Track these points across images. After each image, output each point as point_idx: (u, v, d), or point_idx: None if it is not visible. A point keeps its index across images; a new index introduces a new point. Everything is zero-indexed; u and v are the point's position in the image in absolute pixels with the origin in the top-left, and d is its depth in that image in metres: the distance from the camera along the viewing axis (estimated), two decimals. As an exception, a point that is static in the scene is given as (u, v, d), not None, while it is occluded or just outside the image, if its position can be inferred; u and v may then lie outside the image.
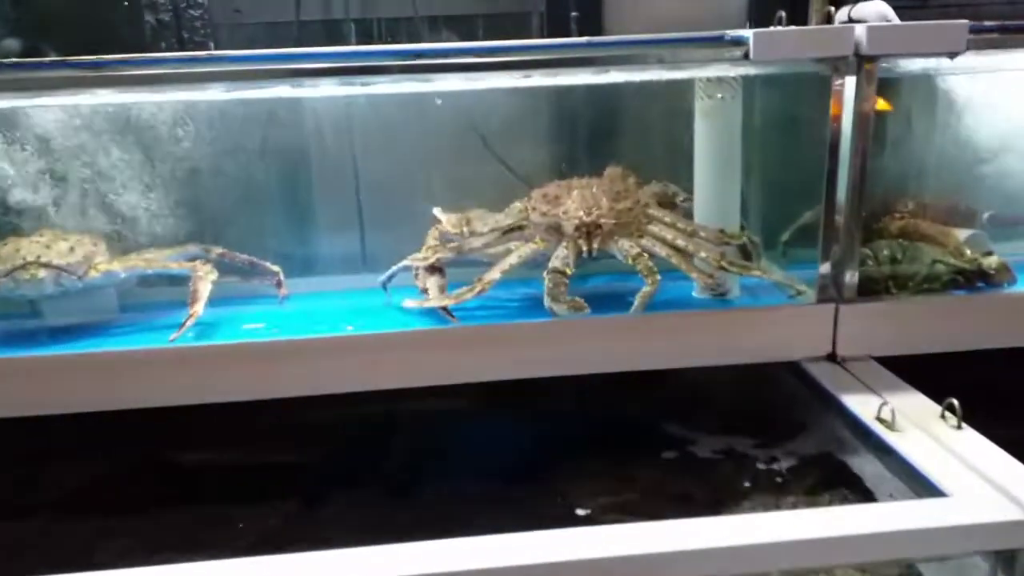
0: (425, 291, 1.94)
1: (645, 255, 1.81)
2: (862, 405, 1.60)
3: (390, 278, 2.04)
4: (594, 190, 1.88)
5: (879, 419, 1.53)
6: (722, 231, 1.89)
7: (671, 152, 2.13)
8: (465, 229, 1.94)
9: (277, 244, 2.15)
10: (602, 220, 1.83)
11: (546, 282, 1.79)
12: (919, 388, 1.65)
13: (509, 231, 1.93)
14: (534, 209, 1.89)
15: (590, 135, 2.20)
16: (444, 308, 1.85)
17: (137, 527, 1.67)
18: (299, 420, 1.89)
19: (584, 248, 1.83)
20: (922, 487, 1.39)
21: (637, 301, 1.78)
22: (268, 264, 2.06)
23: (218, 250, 2.02)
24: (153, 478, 1.86)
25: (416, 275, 1.98)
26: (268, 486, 1.78)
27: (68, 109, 1.94)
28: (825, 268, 1.81)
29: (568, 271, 1.80)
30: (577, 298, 1.80)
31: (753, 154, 2.04)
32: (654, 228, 1.89)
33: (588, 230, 1.83)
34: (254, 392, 1.75)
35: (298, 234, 2.19)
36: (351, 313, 2.00)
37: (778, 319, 1.83)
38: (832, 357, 1.82)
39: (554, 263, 1.81)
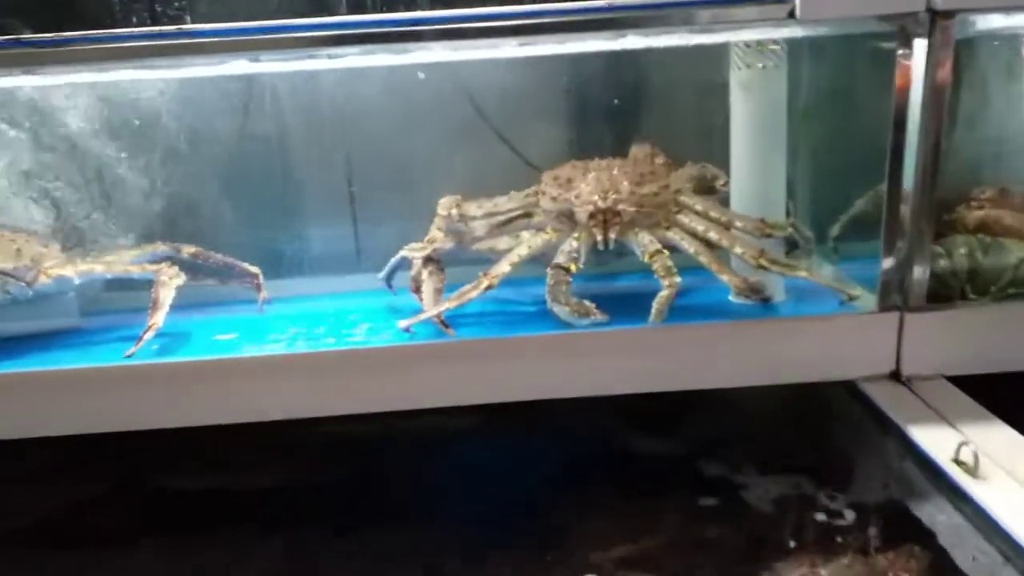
0: (418, 293, 1.69)
1: (664, 253, 1.53)
2: (935, 440, 1.32)
3: (392, 272, 1.79)
4: (614, 172, 1.60)
5: (957, 461, 1.23)
6: (763, 221, 1.59)
7: (702, 131, 1.84)
8: (454, 211, 1.66)
9: (258, 241, 1.91)
10: (620, 207, 1.56)
11: (547, 279, 1.53)
12: (1004, 418, 1.36)
13: (514, 219, 1.66)
14: (544, 193, 1.63)
15: (609, 113, 1.90)
16: (439, 319, 1.58)
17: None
18: (268, 445, 1.65)
19: (599, 238, 1.56)
20: (1013, 551, 1.10)
21: (654, 308, 1.52)
22: (246, 265, 1.81)
23: (190, 250, 1.78)
24: (107, 509, 1.63)
25: (413, 281, 1.72)
26: (230, 521, 1.55)
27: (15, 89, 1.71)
28: (888, 268, 1.52)
29: (573, 268, 1.54)
30: (584, 301, 1.55)
31: (800, 132, 1.74)
32: (684, 218, 1.60)
33: (604, 218, 1.56)
34: (217, 416, 1.52)
35: (282, 230, 1.94)
36: (339, 320, 1.76)
37: (831, 330, 1.54)
38: (896, 376, 1.53)
39: (558, 257, 1.55)
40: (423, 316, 1.58)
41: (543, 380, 1.52)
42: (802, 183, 1.79)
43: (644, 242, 1.56)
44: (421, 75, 1.78)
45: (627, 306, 1.57)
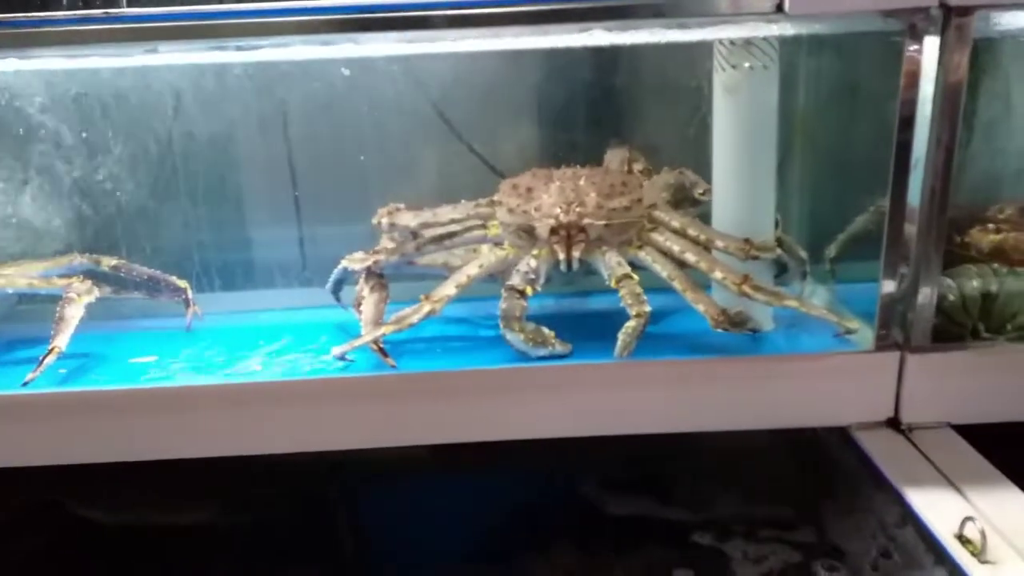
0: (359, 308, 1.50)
1: (634, 278, 1.35)
2: (936, 506, 1.13)
3: (338, 285, 1.58)
4: (580, 182, 1.41)
5: (961, 538, 1.04)
6: (748, 241, 1.39)
7: (679, 140, 1.65)
8: (384, 221, 1.47)
9: (190, 250, 1.72)
10: (586, 221, 1.37)
11: (500, 304, 1.35)
12: (1017, 478, 1.16)
13: (455, 233, 1.46)
14: (501, 204, 1.44)
15: (581, 117, 1.70)
16: (377, 345, 1.39)
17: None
18: (179, 487, 1.46)
19: (561, 257, 1.37)
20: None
21: (620, 341, 1.33)
22: (174, 279, 1.62)
23: (111, 262, 1.59)
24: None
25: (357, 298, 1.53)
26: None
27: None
28: (887, 300, 1.32)
29: (529, 290, 1.36)
30: (543, 328, 1.36)
31: (793, 140, 1.54)
32: (658, 237, 1.41)
33: (567, 234, 1.37)
34: (121, 452, 1.34)
35: (218, 238, 1.74)
36: (276, 341, 1.57)
37: (821, 369, 1.34)
38: (894, 423, 1.34)
39: (512, 278, 1.37)
40: (358, 342, 1.39)
41: (491, 420, 1.35)
42: (795, 197, 1.59)
43: (611, 264, 1.37)
44: (345, 72, 1.59)
45: (597, 330, 1.38)
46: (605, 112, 1.68)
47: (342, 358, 1.39)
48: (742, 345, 1.40)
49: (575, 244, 1.37)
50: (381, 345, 1.38)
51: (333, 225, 1.71)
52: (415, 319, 1.35)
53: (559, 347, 1.36)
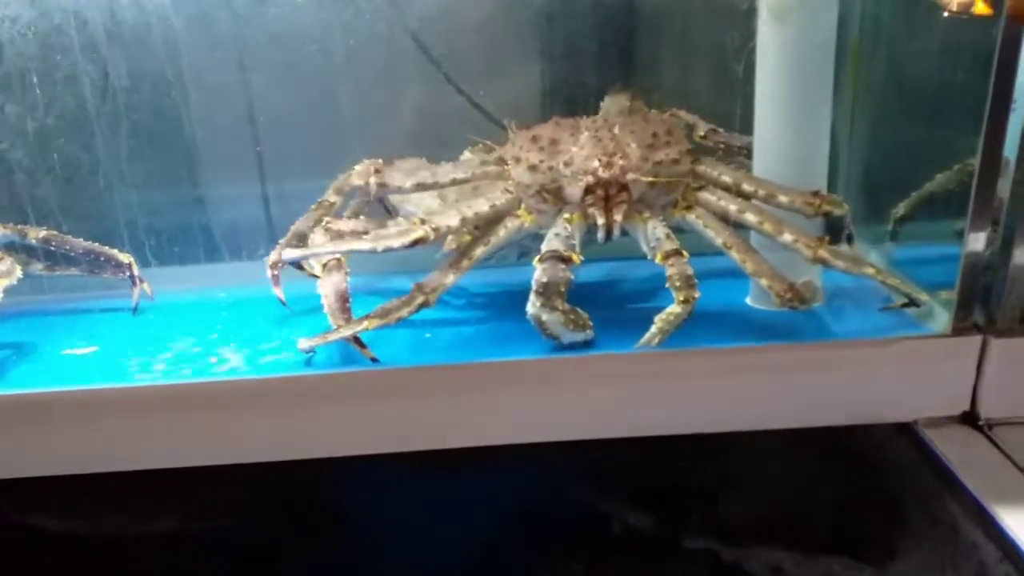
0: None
1: (685, 256, 1.09)
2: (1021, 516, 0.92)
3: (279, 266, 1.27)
4: (615, 131, 1.14)
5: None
6: (817, 194, 1.15)
7: (715, 80, 1.38)
8: (372, 181, 1.16)
9: (135, 218, 1.40)
10: (629, 177, 1.10)
11: (538, 274, 1.06)
12: None
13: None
14: (517, 160, 1.16)
15: (590, 51, 1.41)
16: (355, 340, 1.12)
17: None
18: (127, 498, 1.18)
19: (600, 222, 1.11)
20: None
21: (656, 327, 1.08)
22: (116, 252, 1.31)
23: (39, 233, 1.31)
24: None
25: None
26: None
27: None
28: (969, 272, 1.09)
29: (574, 258, 1.08)
30: (579, 310, 1.10)
31: (855, 78, 1.29)
32: (708, 196, 1.16)
33: (606, 193, 1.11)
34: (50, 465, 1.06)
35: (168, 204, 1.43)
36: (238, 326, 1.28)
37: (886, 357, 1.11)
38: (971, 419, 1.12)
39: (550, 243, 1.09)
40: (332, 336, 1.11)
41: (499, 421, 1.12)
42: (844, 145, 1.34)
43: (657, 234, 1.11)
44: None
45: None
46: (618, 46, 1.40)
47: (308, 352, 1.13)
48: (789, 331, 1.16)
49: (616, 206, 1.11)
50: (359, 339, 1.12)
51: (306, 184, 1.38)
52: (405, 313, 1.10)
53: (593, 335, 1.11)
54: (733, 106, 1.33)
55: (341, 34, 1.36)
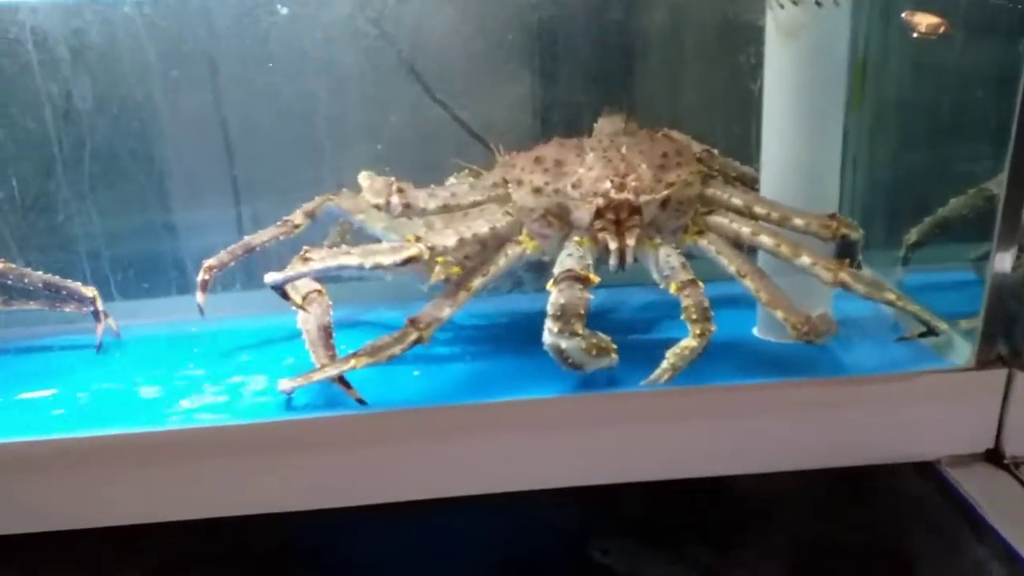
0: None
1: (700, 285, 1.00)
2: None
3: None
4: (623, 150, 1.06)
5: None
6: (834, 217, 1.07)
7: (722, 97, 1.30)
8: (395, 200, 1.02)
9: (100, 248, 1.28)
10: (643, 199, 1.01)
11: (553, 297, 0.96)
12: None
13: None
14: (519, 183, 1.06)
15: (589, 69, 1.33)
16: (341, 380, 1.01)
17: None
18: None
19: (612, 246, 1.02)
20: None
21: (668, 362, 0.99)
22: (78, 286, 1.19)
23: (-6, 265, 1.17)
24: None
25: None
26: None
27: None
28: (996, 302, 1.02)
29: (592, 278, 0.98)
30: (600, 333, 1.00)
31: (856, 102, 1.22)
32: (720, 219, 1.07)
33: (617, 217, 1.02)
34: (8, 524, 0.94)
35: (137, 232, 1.30)
36: (218, 364, 1.17)
37: (906, 392, 1.03)
38: (995, 457, 1.05)
39: (566, 262, 1.00)
40: (316, 375, 1.00)
41: (496, 468, 1.02)
42: (853, 165, 1.27)
43: (671, 262, 1.02)
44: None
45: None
46: (616, 64, 1.32)
47: (288, 393, 1.02)
48: (796, 359, 1.08)
49: (628, 230, 1.02)
50: (345, 379, 1.01)
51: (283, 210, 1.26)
52: (397, 350, 0.99)
53: (615, 359, 1.00)
54: (740, 127, 1.24)
55: (323, 53, 1.26)
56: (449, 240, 1.01)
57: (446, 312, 1.01)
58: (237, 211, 1.32)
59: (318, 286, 1.09)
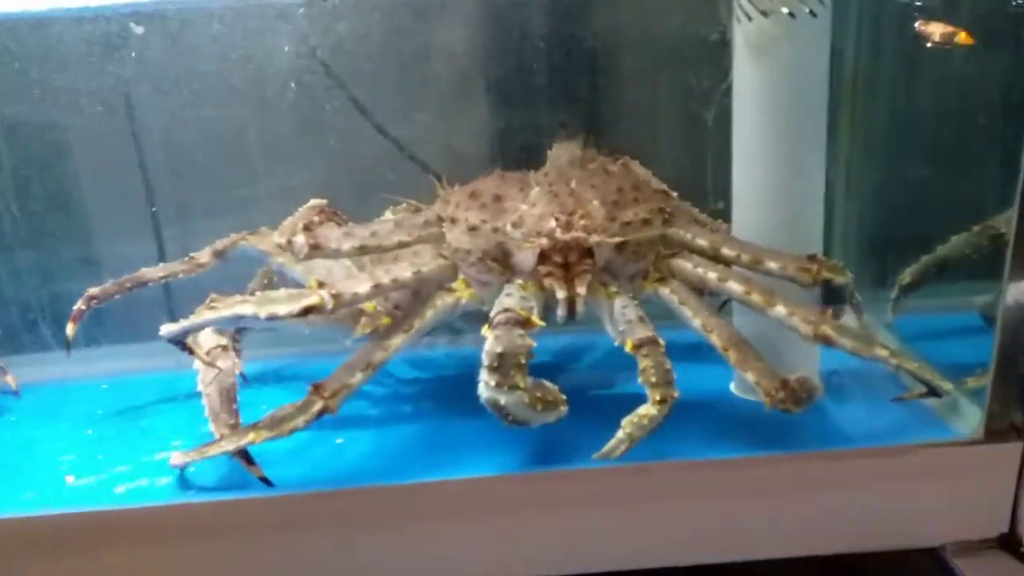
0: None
1: (661, 344, 0.85)
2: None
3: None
4: (572, 185, 0.92)
5: None
6: (813, 259, 0.92)
7: (679, 122, 1.15)
8: (300, 241, 0.90)
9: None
10: (593, 240, 0.88)
11: (489, 344, 0.81)
12: None
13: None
14: (453, 221, 0.92)
15: (539, 89, 1.19)
16: (241, 455, 0.87)
17: None
18: None
19: (560, 296, 0.88)
20: None
21: (624, 431, 0.85)
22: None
23: None
24: None
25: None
26: None
27: None
28: (1006, 363, 0.87)
29: (534, 320, 0.84)
30: (544, 381, 0.84)
31: (846, 128, 1.08)
32: (684, 264, 0.93)
33: (565, 260, 0.88)
34: None
35: (41, 278, 1.16)
36: (116, 424, 1.03)
37: (904, 467, 0.89)
38: (1010, 543, 0.89)
39: (504, 302, 0.86)
40: (211, 448, 0.86)
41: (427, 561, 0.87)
42: (849, 203, 1.12)
43: (628, 315, 0.87)
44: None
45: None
46: (570, 83, 1.18)
47: (181, 468, 0.89)
48: (779, 423, 0.90)
49: (578, 276, 0.87)
50: (247, 454, 0.87)
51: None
52: (300, 423, 0.85)
53: (564, 411, 0.85)
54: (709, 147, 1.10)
55: (247, 71, 1.13)
56: (361, 287, 0.86)
57: (357, 378, 0.87)
58: (159, 249, 1.18)
59: (224, 340, 0.95)
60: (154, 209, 1.17)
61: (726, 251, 0.93)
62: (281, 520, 0.83)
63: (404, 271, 0.89)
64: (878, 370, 0.99)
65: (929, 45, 0.94)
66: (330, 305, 0.84)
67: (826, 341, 0.86)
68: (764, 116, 0.97)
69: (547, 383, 0.84)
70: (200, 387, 0.92)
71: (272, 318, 0.82)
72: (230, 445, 0.84)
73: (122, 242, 1.19)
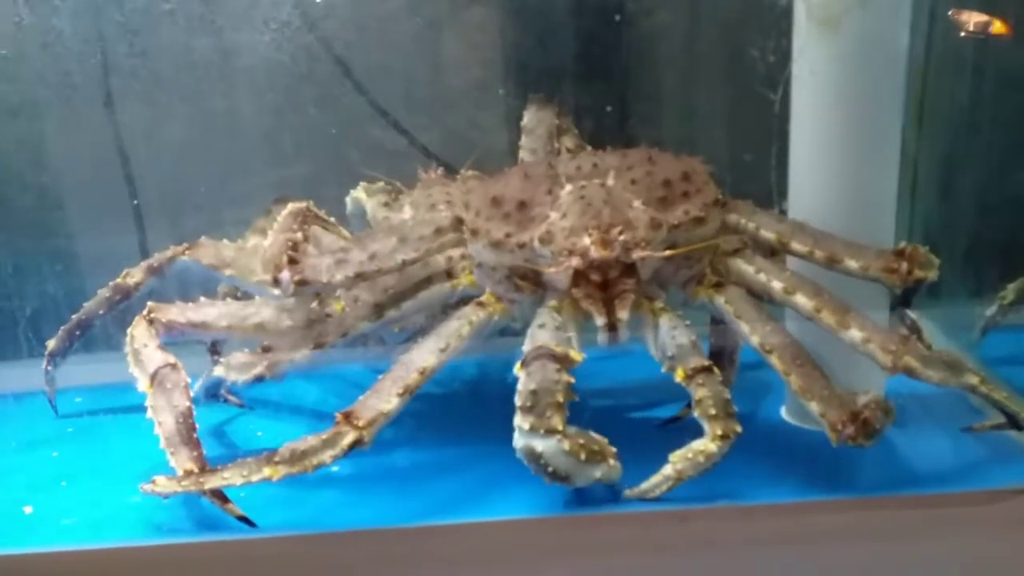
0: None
1: (716, 371, 0.72)
2: None
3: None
4: (610, 182, 0.77)
5: None
6: (901, 254, 0.76)
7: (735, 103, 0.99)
8: (285, 277, 0.75)
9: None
10: (636, 256, 0.73)
11: (523, 383, 0.69)
12: None
13: (418, 284, 0.80)
14: (475, 233, 0.78)
15: (570, 67, 1.03)
16: (215, 494, 0.73)
17: None
18: None
19: (600, 322, 0.74)
20: None
21: (673, 466, 0.71)
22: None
23: None
24: None
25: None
26: None
27: None
28: None
29: (573, 355, 0.71)
30: (592, 433, 0.71)
31: (914, 114, 0.91)
32: (744, 266, 0.79)
33: (605, 278, 0.74)
34: None
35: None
36: (83, 446, 0.91)
37: (994, 517, 0.72)
38: None
39: (537, 336, 0.73)
40: (187, 482, 0.72)
41: None
42: (929, 198, 0.96)
43: (678, 340, 0.73)
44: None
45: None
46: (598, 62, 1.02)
47: (155, 494, 0.73)
48: (839, 456, 0.74)
49: (620, 296, 0.73)
50: (222, 494, 0.74)
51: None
52: (327, 457, 0.71)
53: (619, 468, 0.71)
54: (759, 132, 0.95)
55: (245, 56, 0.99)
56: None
57: (394, 404, 0.72)
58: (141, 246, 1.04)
59: (172, 359, 0.79)
60: (136, 202, 1.03)
61: (796, 245, 0.78)
62: (261, 568, 0.70)
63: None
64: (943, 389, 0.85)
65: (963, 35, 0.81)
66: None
67: (910, 373, 0.72)
68: (830, 99, 0.82)
69: (593, 433, 0.70)
70: (151, 414, 0.77)
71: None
72: (236, 479, 0.69)
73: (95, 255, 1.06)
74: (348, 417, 0.71)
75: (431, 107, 1.06)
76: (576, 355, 0.71)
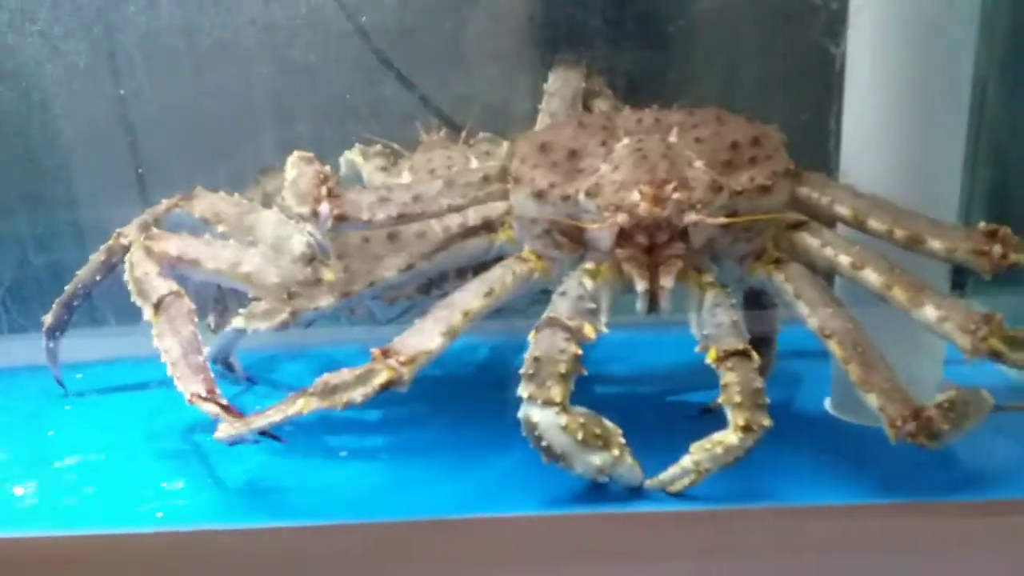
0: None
1: (753, 357, 0.64)
2: None
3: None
4: (671, 138, 0.70)
5: None
6: (993, 234, 0.67)
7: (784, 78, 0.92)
8: (324, 210, 0.67)
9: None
10: (689, 219, 0.66)
11: (530, 348, 0.62)
12: None
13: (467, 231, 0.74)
14: (518, 181, 0.71)
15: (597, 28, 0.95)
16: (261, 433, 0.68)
17: None
18: None
19: (641, 288, 0.66)
20: None
21: (692, 457, 0.63)
22: None
23: None
24: None
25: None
26: None
27: None
28: None
29: (587, 331, 0.64)
30: (600, 416, 0.63)
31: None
32: (811, 240, 0.71)
33: (651, 242, 0.66)
34: None
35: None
36: (83, 428, 0.83)
37: None
38: None
39: (556, 305, 0.66)
40: (257, 420, 0.67)
41: None
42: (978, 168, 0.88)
43: (718, 318, 0.66)
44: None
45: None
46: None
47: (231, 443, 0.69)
48: (892, 454, 0.65)
49: (666, 262, 0.66)
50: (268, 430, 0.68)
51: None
52: (358, 396, 0.64)
53: (629, 463, 0.63)
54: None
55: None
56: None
57: (437, 343, 0.65)
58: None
59: (175, 286, 0.75)
60: (140, 170, 0.96)
61: (874, 223, 0.70)
62: (265, 558, 0.63)
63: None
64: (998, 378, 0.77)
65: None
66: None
67: (994, 357, 0.63)
68: (887, 64, 0.72)
69: (604, 420, 0.63)
70: (156, 343, 0.73)
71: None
72: (277, 415, 0.64)
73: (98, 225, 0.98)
74: (386, 353, 0.64)
75: (452, 67, 0.99)
76: (590, 331, 0.64)
